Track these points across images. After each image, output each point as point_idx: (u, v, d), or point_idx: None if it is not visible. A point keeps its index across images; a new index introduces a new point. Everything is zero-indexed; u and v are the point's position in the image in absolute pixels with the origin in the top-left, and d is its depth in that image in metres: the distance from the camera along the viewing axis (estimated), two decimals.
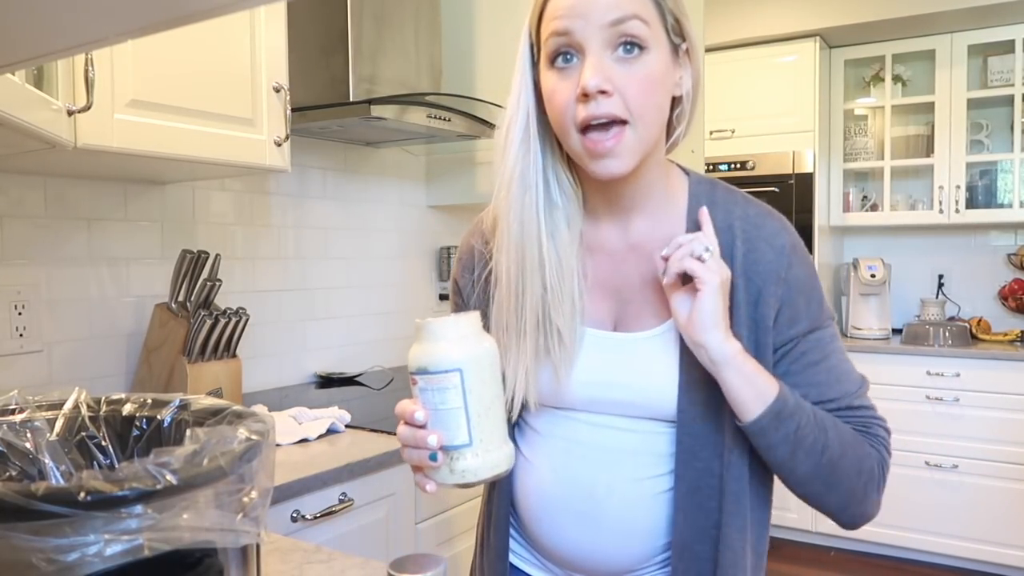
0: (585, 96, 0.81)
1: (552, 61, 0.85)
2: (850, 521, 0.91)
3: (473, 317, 0.79)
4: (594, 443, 0.92)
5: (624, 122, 0.82)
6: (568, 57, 0.84)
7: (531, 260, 0.89)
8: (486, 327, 0.90)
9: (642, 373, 0.89)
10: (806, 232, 3.45)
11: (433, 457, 0.76)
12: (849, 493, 0.88)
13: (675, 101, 0.90)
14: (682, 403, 0.87)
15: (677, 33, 0.86)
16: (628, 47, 0.82)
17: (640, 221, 0.93)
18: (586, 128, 0.83)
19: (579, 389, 0.91)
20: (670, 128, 0.92)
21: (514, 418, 0.94)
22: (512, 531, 1.02)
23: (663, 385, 0.88)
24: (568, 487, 0.92)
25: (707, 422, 0.88)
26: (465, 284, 1.02)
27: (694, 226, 0.90)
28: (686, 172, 0.98)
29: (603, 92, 0.81)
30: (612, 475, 0.91)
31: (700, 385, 0.87)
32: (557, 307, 0.89)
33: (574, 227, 0.92)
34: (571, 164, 0.93)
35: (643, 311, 0.92)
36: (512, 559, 1.01)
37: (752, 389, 0.83)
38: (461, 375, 0.75)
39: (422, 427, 0.76)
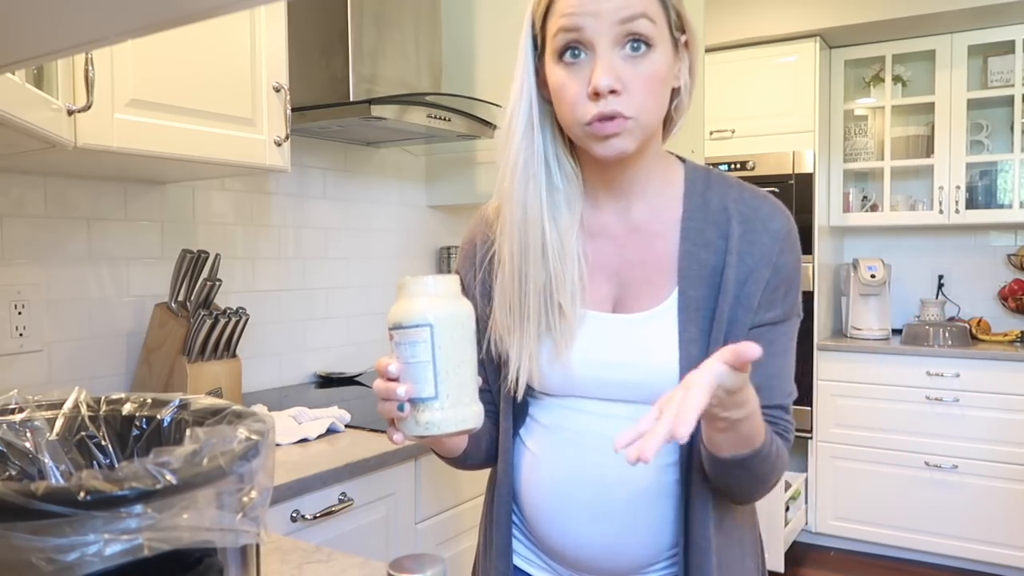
0: (596, 95, 0.84)
1: (560, 55, 0.87)
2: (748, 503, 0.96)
3: (451, 279, 0.81)
4: (602, 434, 0.92)
5: (629, 117, 0.85)
6: (576, 52, 0.86)
7: (534, 246, 0.92)
8: (491, 311, 0.95)
9: (643, 351, 0.91)
10: (806, 232, 3.44)
11: (401, 408, 0.78)
12: (760, 494, 0.93)
13: (673, 92, 0.93)
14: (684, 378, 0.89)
15: (679, 28, 0.89)
16: (635, 45, 0.85)
17: (639, 206, 0.96)
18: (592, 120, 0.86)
19: (582, 369, 0.93)
20: (667, 117, 0.95)
21: (519, 397, 0.95)
22: (516, 532, 1.01)
23: (664, 362, 0.90)
24: (576, 479, 0.93)
25: None
26: (466, 274, 1.04)
27: (691, 209, 0.93)
28: (682, 160, 1.01)
29: (613, 91, 0.84)
30: (621, 466, 0.91)
31: (698, 361, 0.88)
32: (560, 288, 0.92)
33: (574, 209, 0.95)
34: (572, 149, 0.96)
35: (641, 292, 0.94)
36: (516, 561, 1.01)
37: (756, 433, 0.84)
38: (431, 330, 0.77)
39: (395, 380, 0.78)
